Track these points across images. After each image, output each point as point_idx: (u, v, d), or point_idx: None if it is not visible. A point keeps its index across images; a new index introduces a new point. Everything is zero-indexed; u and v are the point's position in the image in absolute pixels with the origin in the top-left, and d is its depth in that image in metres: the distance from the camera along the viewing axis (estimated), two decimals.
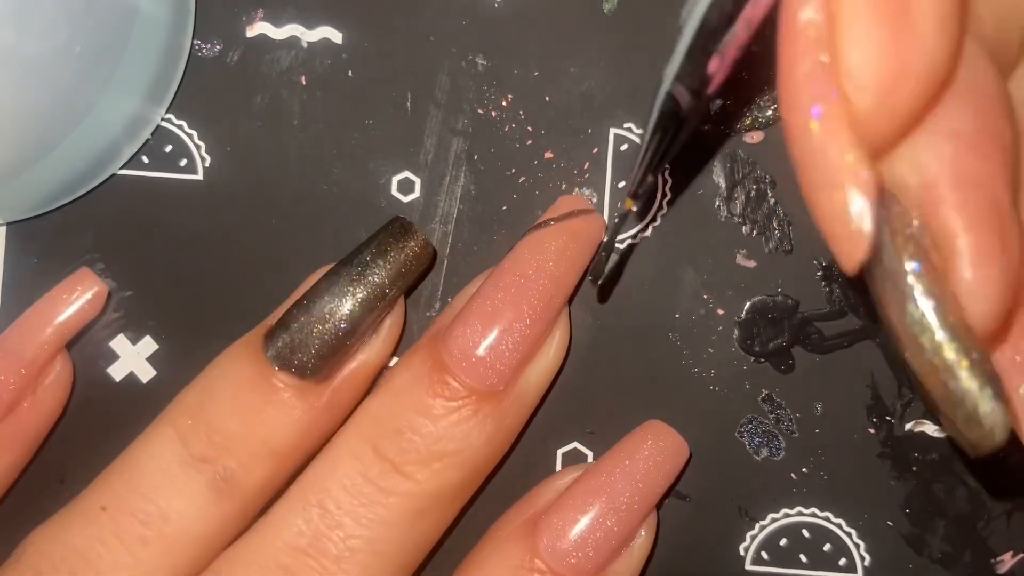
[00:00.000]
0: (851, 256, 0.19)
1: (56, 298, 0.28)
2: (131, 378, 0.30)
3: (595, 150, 0.29)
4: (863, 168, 0.18)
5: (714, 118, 0.29)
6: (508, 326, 0.26)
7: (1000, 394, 0.19)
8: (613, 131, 0.29)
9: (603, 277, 0.27)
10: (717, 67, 0.20)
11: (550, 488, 0.28)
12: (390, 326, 0.28)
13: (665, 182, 0.29)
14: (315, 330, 0.26)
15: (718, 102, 0.25)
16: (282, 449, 0.27)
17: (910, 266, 0.19)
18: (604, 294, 0.29)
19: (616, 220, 0.25)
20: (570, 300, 0.28)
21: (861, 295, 0.29)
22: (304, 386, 0.27)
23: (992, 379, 0.19)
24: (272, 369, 0.26)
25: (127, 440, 0.29)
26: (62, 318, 0.28)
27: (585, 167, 0.29)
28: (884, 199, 0.19)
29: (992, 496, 0.29)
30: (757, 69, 0.26)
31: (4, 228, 0.29)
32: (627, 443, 0.28)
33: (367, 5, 0.29)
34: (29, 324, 0.28)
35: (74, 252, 0.29)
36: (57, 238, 0.29)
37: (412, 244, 0.27)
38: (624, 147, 0.29)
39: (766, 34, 0.19)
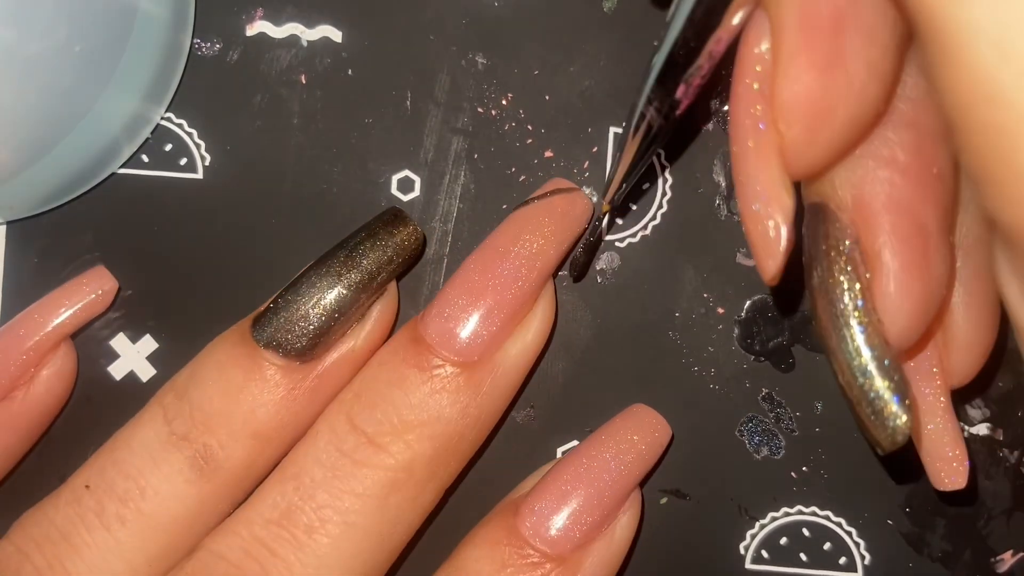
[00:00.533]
0: (766, 268, 0.21)
1: (68, 289, 0.28)
2: (131, 377, 0.30)
3: (595, 149, 0.29)
4: (785, 193, 0.20)
5: (714, 117, 0.29)
6: (483, 300, 0.26)
7: (906, 401, 0.21)
8: (613, 130, 0.29)
9: (581, 273, 0.29)
10: (683, 93, 0.23)
11: (536, 476, 0.28)
12: (379, 313, 0.28)
13: (665, 181, 0.29)
14: (302, 311, 0.27)
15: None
16: (264, 430, 0.27)
17: (842, 279, 0.21)
18: (579, 279, 0.29)
19: (595, 223, 0.27)
20: (554, 276, 0.28)
21: None
22: (289, 365, 0.27)
23: (900, 386, 0.21)
24: (258, 348, 0.27)
25: None
26: (69, 309, 0.28)
27: (585, 166, 0.29)
28: (826, 215, 0.21)
29: (992, 495, 0.29)
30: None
31: (4, 227, 0.29)
32: (608, 426, 0.28)
33: (367, 4, 0.29)
34: (37, 312, 0.28)
35: (74, 251, 0.29)
36: (57, 237, 0.29)
37: (403, 231, 0.27)
38: None
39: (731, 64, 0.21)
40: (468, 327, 0.26)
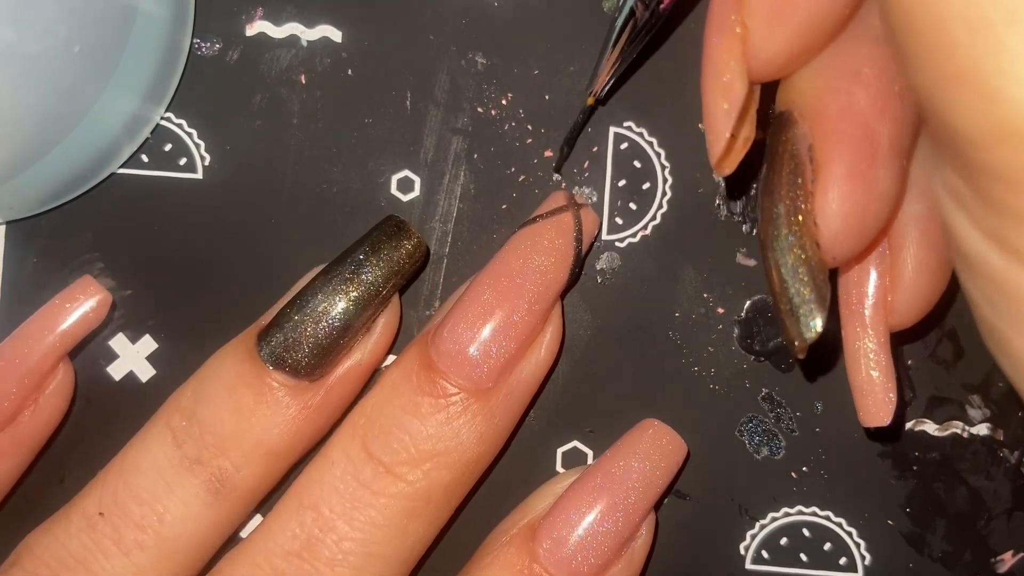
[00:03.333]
0: (713, 152, 0.22)
1: (57, 306, 0.28)
2: (131, 377, 0.30)
3: (595, 149, 0.29)
4: (740, 83, 0.21)
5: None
6: (496, 324, 0.26)
7: (824, 304, 0.22)
8: (613, 129, 0.29)
9: (559, 168, 0.29)
10: None
11: (548, 492, 0.28)
12: (384, 325, 0.28)
13: (665, 181, 0.29)
14: (309, 329, 0.26)
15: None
16: (277, 449, 0.27)
17: (787, 177, 0.22)
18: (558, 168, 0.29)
19: (580, 117, 0.28)
20: (563, 296, 0.28)
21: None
22: (298, 385, 0.27)
23: (822, 290, 0.22)
24: (266, 368, 0.26)
25: (127, 439, 0.29)
26: (64, 326, 0.27)
27: (585, 166, 0.29)
28: (787, 120, 0.22)
29: (992, 495, 0.29)
30: None
31: (4, 227, 0.29)
32: (624, 443, 0.28)
33: (367, 4, 0.29)
34: (30, 333, 0.27)
35: (74, 251, 0.29)
36: (57, 237, 0.29)
37: (406, 242, 0.27)
38: (624, 145, 0.29)
39: None
40: (481, 353, 0.26)
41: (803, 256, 0.22)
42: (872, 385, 0.25)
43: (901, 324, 0.25)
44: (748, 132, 0.22)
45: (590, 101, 0.27)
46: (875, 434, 0.29)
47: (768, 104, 0.23)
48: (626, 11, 0.25)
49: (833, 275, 0.23)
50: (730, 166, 0.22)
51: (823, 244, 0.21)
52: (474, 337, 0.26)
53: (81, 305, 0.28)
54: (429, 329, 0.27)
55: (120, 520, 0.26)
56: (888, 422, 0.25)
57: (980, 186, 0.17)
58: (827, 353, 0.29)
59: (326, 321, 0.26)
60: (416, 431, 0.26)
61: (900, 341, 0.29)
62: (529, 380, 0.27)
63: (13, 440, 0.27)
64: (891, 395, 0.25)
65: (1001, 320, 0.18)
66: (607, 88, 0.27)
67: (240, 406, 0.26)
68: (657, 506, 0.28)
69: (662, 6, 0.24)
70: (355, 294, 0.26)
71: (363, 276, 0.27)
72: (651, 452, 0.27)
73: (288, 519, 0.26)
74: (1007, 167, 0.16)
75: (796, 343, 0.22)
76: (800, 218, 0.22)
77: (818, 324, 0.22)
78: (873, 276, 0.24)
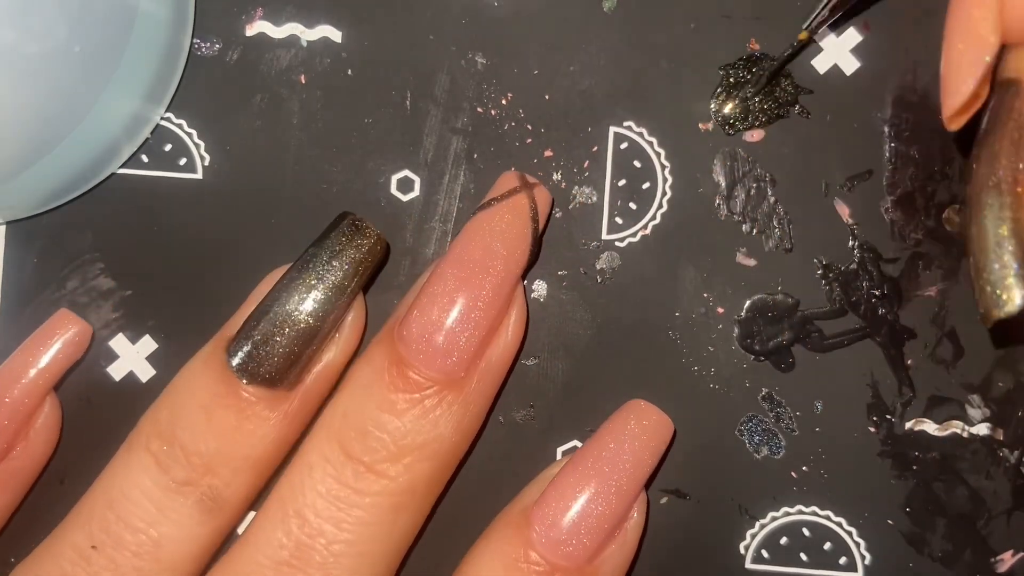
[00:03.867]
0: (948, 106, 0.21)
1: (37, 342, 0.28)
2: (130, 377, 0.30)
3: (595, 148, 0.29)
4: (993, 33, 0.21)
5: (714, 117, 0.29)
6: (461, 312, 0.26)
7: None
8: (613, 129, 0.29)
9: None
10: None
11: (542, 479, 0.28)
12: (351, 324, 0.28)
13: (665, 181, 0.29)
14: (278, 339, 0.26)
15: None
16: (262, 458, 0.27)
17: (1009, 147, 0.21)
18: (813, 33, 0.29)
19: (792, 49, 0.27)
20: (524, 276, 0.27)
21: (855, 291, 0.29)
22: (275, 395, 0.26)
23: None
24: (240, 383, 0.26)
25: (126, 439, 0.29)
26: (45, 362, 0.28)
27: (585, 165, 0.29)
28: (1017, 90, 0.22)
29: (992, 495, 0.29)
30: None
31: (4, 227, 0.29)
32: (610, 426, 0.27)
33: (366, 4, 0.29)
34: (13, 370, 0.28)
35: (74, 251, 0.29)
36: (57, 237, 0.29)
37: (365, 241, 0.27)
38: (624, 145, 0.29)
39: None
40: (450, 343, 0.26)
41: (1014, 228, 0.21)
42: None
43: None
44: (984, 91, 0.22)
45: (803, 36, 0.26)
46: (876, 436, 0.29)
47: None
48: None
49: None
50: (961, 123, 0.22)
51: None
52: (441, 328, 0.26)
53: (59, 339, 0.28)
54: (393, 323, 0.27)
55: (115, 551, 0.26)
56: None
57: None
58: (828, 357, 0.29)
59: (295, 329, 0.26)
60: (394, 428, 0.26)
61: (901, 376, 0.28)
62: (499, 364, 0.27)
63: (9, 474, 0.28)
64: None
65: None
66: (824, 25, 0.26)
67: (222, 427, 0.26)
68: (647, 485, 0.28)
69: None
70: (321, 298, 0.26)
71: (327, 279, 0.26)
72: (638, 432, 0.27)
73: (273, 529, 0.26)
74: None
75: (990, 314, 0.22)
76: (1020, 189, 0.21)
77: (1018, 299, 0.22)
78: None
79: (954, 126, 0.22)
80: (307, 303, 0.26)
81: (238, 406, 0.26)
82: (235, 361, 0.26)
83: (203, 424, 0.26)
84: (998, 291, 0.22)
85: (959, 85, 0.21)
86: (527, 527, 0.26)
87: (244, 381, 0.26)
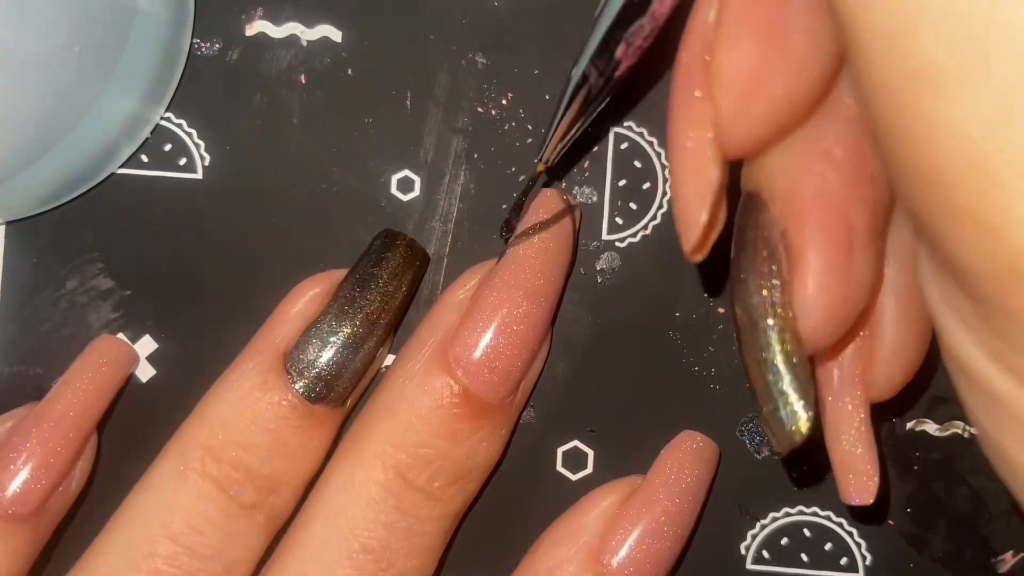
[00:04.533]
0: (686, 241, 0.21)
1: (87, 369, 0.27)
2: (131, 377, 0.29)
3: (595, 149, 0.29)
4: (714, 167, 0.20)
5: None
6: (521, 341, 0.26)
7: (811, 403, 0.21)
8: (613, 130, 0.29)
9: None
10: (623, 53, 0.23)
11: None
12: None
13: (665, 180, 0.29)
14: (346, 361, 0.27)
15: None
16: (315, 474, 0.27)
17: (763, 269, 0.20)
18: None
19: (528, 183, 0.27)
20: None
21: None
22: (336, 412, 0.27)
23: (805, 386, 0.21)
24: (306, 405, 0.26)
25: (128, 440, 0.29)
26: (95, 389, 0.27)
27: (585, 166, 0.29)
28: (756, 204, 0.21)
29: (993, 495, 0.29)
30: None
31: (3, 227, 0.29)
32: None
33: (367, 3, 0.29)
34: (71, 397, 0.27)
35: (74, 251, 0.29)
36: (56, 237, 0.29)
37: (418, 262, 0.28)
38: (624, 145, 0.29)
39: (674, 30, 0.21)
40: (509, 372, 0.26)
41: (783, 351, 0.21)
42: (854, 460, 0.24)
43: (882, 396, 0.23)
44: (721, 215, 0.21)
45: (540, 168, 0.26)
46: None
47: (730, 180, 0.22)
48: (578, 76, 0.24)
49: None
50: (704, 253, 0.21)
51: (803, 337, 0.20)
52: (502, 356, 0.26)
53: (110, 364, 0.28)
54: (443, 343, 0.26)
55: None
56: (872, 501, 0.24)
57: (992, 320, 0.16)
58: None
59: (362, 349, 0.27)
60: (454, 455, 0.26)
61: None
62: (533, 379, 0.28)
63: (56, 514, 0.27)
64: (874, 472, 0.24)
65: (1001, 434, 0.17)
66: (560, 155, 0.26)
67: (288, 447, 0.26)
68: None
69: (617, 73, 0.23)
70: (385, 321, 0.27)
71: (390, 301, 0.27)
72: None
73: (340, 567, 0.25)
74: (1021, 310, 0.15)
75: (780, 445, 0.21)
76: (778, 310, 0.20)
77: (804, 428, 0.21)
78: (851, 350, 0.23)
79: (699, 257, 0.21)
80: (371, 324, 0.27)
81: (305, 426, 0.26)
82: (302, 383, 0.26)
83: (269, 445, 0.26)
84: (784, 422, 0.21)
85: (692, 216, 0.20)
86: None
87: (311, 402, 0.26)
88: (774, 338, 0.20)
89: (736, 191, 0.22)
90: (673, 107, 0.20)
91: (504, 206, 0.29)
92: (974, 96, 0.14)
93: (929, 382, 0.29)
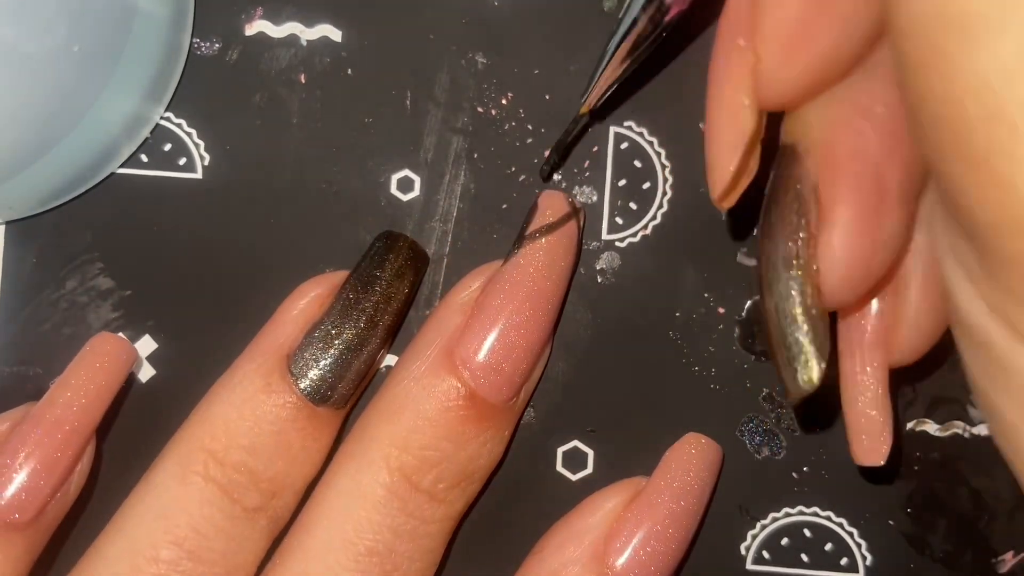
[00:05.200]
0: (714, 186, 0.21)
1: (85, 367, 0.27)
2: (130, 377, 0.29)
3: (595, 148, 0.29)
4: (749, 115, 0.20)
5: None
6: (527, 343, 0.26)
7: (824, 355, 0.21)
8: (613, 129, 0.29)
9: (548, 176, 0.28)
10: None
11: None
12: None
13: (665, 181, 0.29)
14: (349, 361, 0.26)
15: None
16: (317, 475, 0.27)
17: (791, 219, 0.21)
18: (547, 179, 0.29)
19: (572, 125, 0.27)
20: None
21: None
22: (339, 414, 0.27)
23: (821, 338, 0.21)
24: (311, 407, 0.26)
25: (128, 440, 0.29)
26: (95, 389, 0.27)
27: (585, 165, 0.29)
28: (792, 156, 0.21)
29: (994, 495, 0.29)
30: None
31: (3, 227, 0.29)
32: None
33: (367, 3, 0.29)
34: (72, 397, 0.26)
35: (74, 251, 0.29)
36: (56, 237, 0.29)
37: (421, 264, 0.28)
38: (624, 145, 0.29)
39: None
40: (515, 373, 0.26)
41: (803, 303, 0.21)
42: (870, 424, 0.24)
43: (903, 361, 0.24)
44: (752, 165, 0.21)
45: (584, 110, 0.26)
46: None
47: (771, 133, 0.22)
48: (628, 21, 0.24)
49: (832, 313, 0.22)
50: (732, 201, 0.21)
51: (824, 291, 0.21)
52: (509, 358, 0.26)
53: (109, 362, 0.27)
54: (448, 345, 0.26)
55: None
56: (883, 462, 0.24)
57: (992, 268, 0.16)
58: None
59: (365, 351, 0.27)
60: (458, 457, 0.26)
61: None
62: (536, 380, 0.28)
63: (56, 516, 0.27)
64: (887, 435, 0.24)
65: (995, 391, 0.18)
66: (604, 99, 0.26)
67: (292, 449, 0.26)
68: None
69: (667, 18, 0.23)
70: (388, 322, 0.27)
71: (392, 302, 0.27)
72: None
73: (345, 571, 0.25)
74: (1022, 258, 0.15)
75: (791, 393, 0.22)
76: (802, 262, 0.21)
77: (815, 377, 0.21)
78: (875, 311, 0.23)
79: (726, 204, 0.21)
80: (370, 322, 0.27)
81: (308, 428, 0.26)
82: (305, 384, 0.26)
83: (272, 448, 0.26)
84: (797, 371, 0.21)
85: (719, 168, 0.21)
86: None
87: (314, 403, 0.26)
88: (795, 289, 0.21)
89: (775, 147, 0.22)
90: (715, 55, 0.20)
91: (504, 206, 0.29)
92: (998, 44, 0.14)
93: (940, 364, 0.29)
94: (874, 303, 0.24)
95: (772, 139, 0.22)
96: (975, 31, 0.14)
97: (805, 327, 0.21)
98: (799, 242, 0.21)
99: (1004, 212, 0.15)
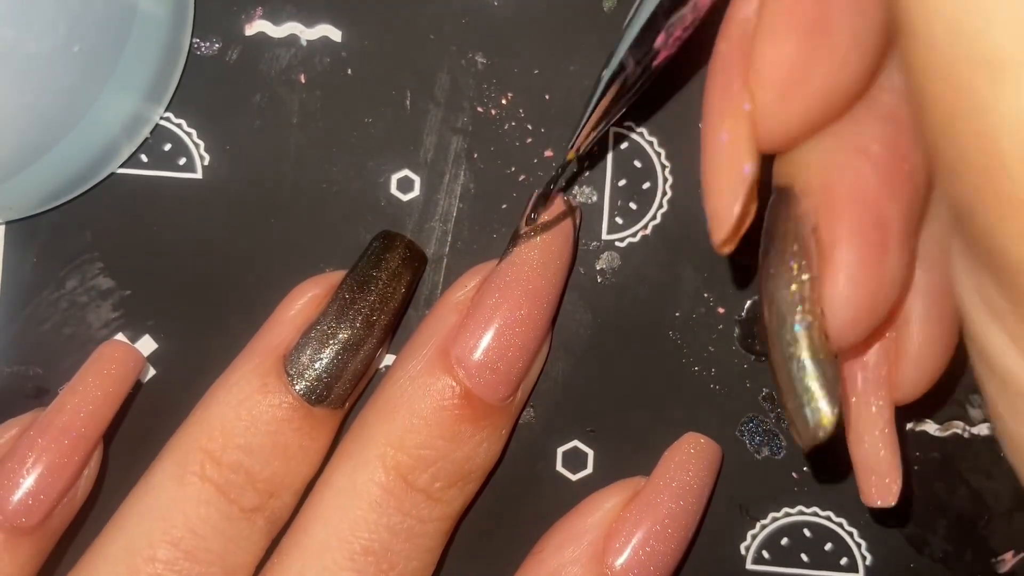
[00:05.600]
0: (716, 233, 0.21)
1: (94, 374, 0.27)
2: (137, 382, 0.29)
3: (595, 148, 0.29)
4: (749, 159, 0.20)
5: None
6: (523, 342, 0.26)
7: (836, 400, 0.21)
8: (613, 129, 0.29)
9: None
10: (663, 43, 0.22)
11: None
12: None
13: (665, 181, 0.29)
14: (346, 362, 0.26)
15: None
16: (315, 475, 0.27)
17: (793, 265, 0.20)
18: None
19: (559, 170, 0.27)
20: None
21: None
22: (336, 414, 0.27)
23: (831, 384, 0.20)
24: (307, 407, 0.26)
25: (128, 440, 0.29)
26: (103, 395, 0.27)
27: (585, 165, 0.29)
28: (789, 198, 0.20)
29: (994, 495, 0.29)
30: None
31: (3, 227, 0.29)
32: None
33: (366, 3, 0.29)
34: (80, 402, 0.26)
35: (74, 251, 0.29)
36: (56, 237, 0.29)
37: (418, 264, 0.28)
38: (624, 145, 0.29)
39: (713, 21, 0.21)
40: (511, 372, 0.26)
41: (811, 347, 0.20)
42: (878, 463, 0.24)
43: (907, 399, 0.23)
44: (752, 208, 0.21)
45: (571, 156, 0.25)
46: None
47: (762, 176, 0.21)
48: (615, 65, 0.24)
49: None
50: (733, 245, 0.21)
51: (831, 333, 0.20)
52: (504, 357, 0.26)
53: (117, 369, 0.27)
54: (444, 344, 0.26)
55: None
56: (894, 503, 0.24)
57: (1022, 308, 0.16)
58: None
59: (362, 351, 0.27)
60: (455, 456, 0.26)
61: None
62: (534, 378, 0.28)
63: (63, 521, 0.27)
64: (897, 474, 0.24)
65: (1021, 427, 0.17)
66: (591, 145, 0.25)
67: (289, 449, 0.26)
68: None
69: (655, 63, 0.23)
70: (384, 321, 0.27)
71: (389, 302, 0.27)
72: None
73: (342, 569, 0.25)
74: None
75: (803, 441, 0.21)
76: (807, 305, 0.20)
77: (828, 423, 0.21)
78: (877, 350, 0.23)
79: (727, 249, 0.21)
80: (365, 323, 0.27)
81: (305, 428, 0.26)
82: (302, 385, 0.26)
83: (269, 448, 0.26)
84: (807, 417, 0.21)
85: (721, 214, 0.20)
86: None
87: (311, 403, 0.26)
88: (802, 334, 0.20)
89: (765, 188, 0.22)
90: (709, 98, 0.20)
91: (504, 206, 0.29)
92: None
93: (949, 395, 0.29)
94: (876, 343, 0.23)
95: (763, 179, 0.22)
96: (1010, 72, 0.14)
97: (815, 373, 0.20)
98: (802, 285, 0.20)
99: None
